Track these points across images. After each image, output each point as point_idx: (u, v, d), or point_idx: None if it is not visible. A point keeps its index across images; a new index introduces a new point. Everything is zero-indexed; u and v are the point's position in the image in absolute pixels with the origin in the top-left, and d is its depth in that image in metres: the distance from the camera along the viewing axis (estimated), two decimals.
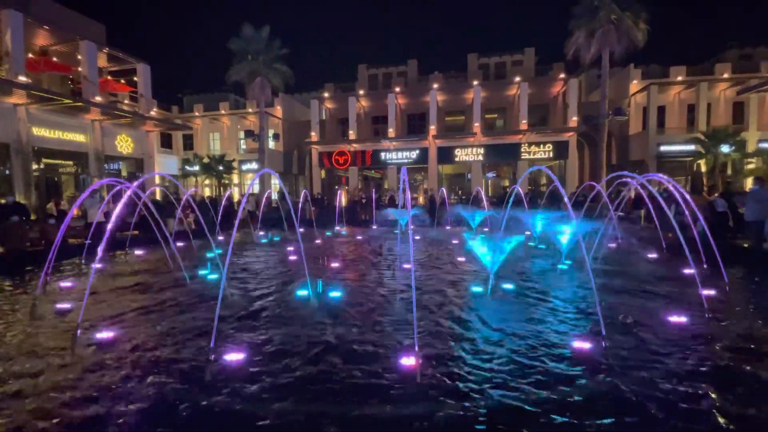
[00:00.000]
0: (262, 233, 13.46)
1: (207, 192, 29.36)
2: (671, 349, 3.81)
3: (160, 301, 5.65)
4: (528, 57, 26.95)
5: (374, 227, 15.87)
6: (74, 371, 3.48)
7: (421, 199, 27.59)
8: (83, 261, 8.68)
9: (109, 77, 20.89)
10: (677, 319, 4.53)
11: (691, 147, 21.60)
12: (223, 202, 12.69)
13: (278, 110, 29.15)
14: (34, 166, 16.09)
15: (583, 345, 3.82)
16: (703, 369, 3.42)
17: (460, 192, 28.30)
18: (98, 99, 17.74)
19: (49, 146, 16.64)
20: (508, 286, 6.08)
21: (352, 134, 26.02)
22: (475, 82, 24.78)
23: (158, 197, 20.11)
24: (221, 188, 28.22)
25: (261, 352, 3.83)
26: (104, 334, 4.27)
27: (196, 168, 27.11)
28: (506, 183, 29.60)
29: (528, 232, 10.69)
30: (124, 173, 21.42)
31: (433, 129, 24.80)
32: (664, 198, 7.20)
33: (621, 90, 25.19)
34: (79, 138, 17.83)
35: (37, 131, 15.91)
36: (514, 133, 24.35)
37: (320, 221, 15.75)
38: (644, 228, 13.27)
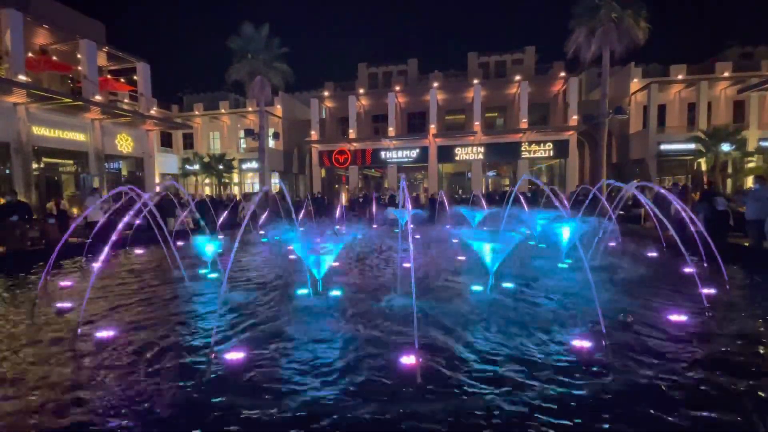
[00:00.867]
0: (262, 232, 13.46)
1: (207, 191, 29.38)
2: (671, 347, 3.81)
3: (161, 300, 5.66)
4: (528, 56, 26.92)
5: (374, 226, 15.87)
6: (74, 370, 3.49)
7: (421, 199, 27.61)
8: (84, 260, 8.69)
9: (108, 76, 20.87)
10: (677, 317, 4.53)
11: (692, 146, 21.58)
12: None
13: (278, 109, 29.13)
14: (34, 166, 16.09)
15: (583, 343, 3.83)
16: (704, 368, 3.42)
17: (460, 191, 28.30)
18: (98, 98, 17.74)
19: (49, 145, 16.64)
20: (508, 284, 6.09)
21: (352, 133, 26.00)
22: (476, 81, 24.76)
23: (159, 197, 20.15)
24: (221, 187, 28.23)
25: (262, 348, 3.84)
26: (104, 333, 4.28)
27: (197, 167, 27.13)
28: (506, 182, 29.59)
29: (528, 231, 10.69)
30: (124, 172, 21.43)
31: (433, 128, 24.79)
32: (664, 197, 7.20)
33: (621, 89, 25.15)
34: (79, 137, 17.82)
35: (37, 130, 15.90)
36: (514, 131, 24.34)
37: (320, 221, 15.73)
38: (644, 226, 13.27)
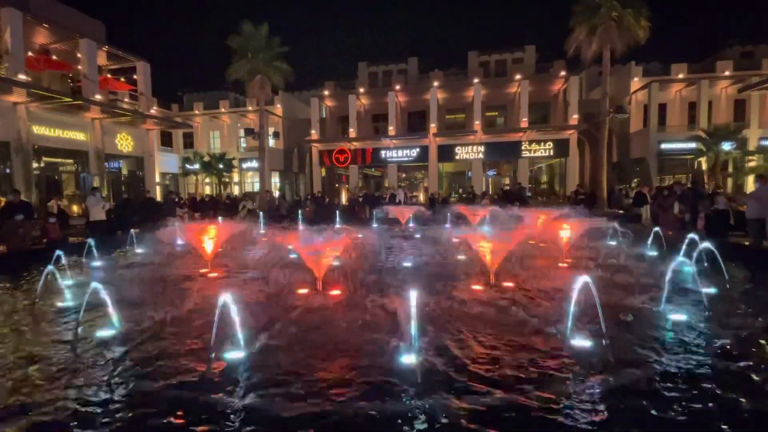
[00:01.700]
0: (263, 231, 13.45)
1: (207, 190, 29.37)
2: (671, 346, 3.81)
3: (160, 298, 5.66)
4: (529, 54, 26.86)
5: (374, 226, 15.86)
6: (74, 368, 3.49)
7: (421, 198, 27.60)
8: (84, 259, 8.69)
9: (108, 75, 20.86)
10: (677, 316, 4.53)
11: (692, 145, 21.54)
12: (224, 200, 12.69)
13: (278, 108, 29.10)
14: (35, 165, 16.09)
15: (583, 343, 3.82)
16: (704, 367, 3.42)
17: (460, 190, 28.28)
18: (98, 97, 17.73)
19: (49, 145, 16.64)
20: (509, 283, 6.09)
21: (352, 132, 25.98)
22: (476, 80, 24.72)
23: (159, 197, 20.16)
24: (221, 186, 28.23)
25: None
26: (104, 332, 4.28)
27: (197, 166, 27.11)
28: (506, 181, 29.56)
29: (529, 230, 10.68)
30: (124, 172, 21.45)
31: (433, 127, 24.76)
32: (665, 196, 7.19)
33: (622, 87, 25.12)
34: (79, 136, 17.82)
35: (37, 130, 15.90)
36: (514, 131, 24.31)
37: (320, 220, 15.72)
38: (645, 225, 13.25)
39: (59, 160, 18.00)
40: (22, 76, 14.58)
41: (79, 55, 17.88)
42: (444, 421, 2.68)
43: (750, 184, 20.60)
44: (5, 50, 14.71)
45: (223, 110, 29.69)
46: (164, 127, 24.53)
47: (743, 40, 27.56)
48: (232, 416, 2.78)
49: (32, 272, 7.44)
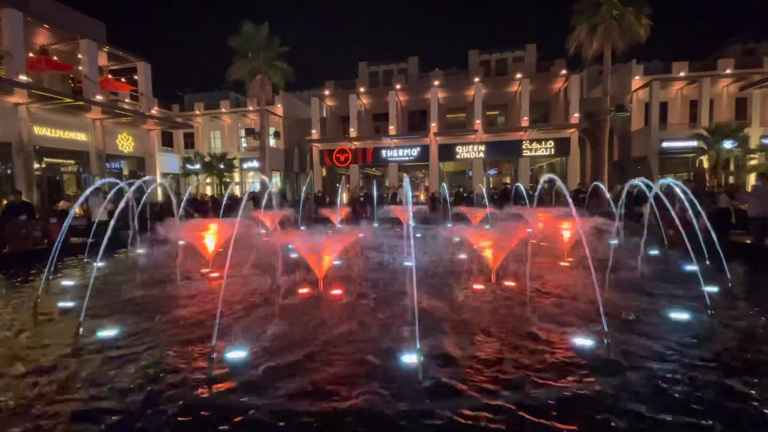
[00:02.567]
0: (263, 231, 13.45)
1: (208, 190, 29.41)
2: (673, 345, 3.79)
3: (161, 299, 5.66)
4: (529, 53, 26.82)
5: (375, 225, 15.86)
6: (75, 368, 3.50)
7: (422, 197, 27.58)
8: (85, 259, 8.70)
9: (109, 76, 20.89)
10: (679, 315, 4.52)
11: (694, 143, 21.51)
12: (224, 201, 12.69)
13: (279, 108, 29.12)
14: (36, 166, 16.13)
15: (584, 341, 3.82)
16: (704, 366, 3.41)
17: (461, 189, 28.26)
18: (99, 98, 17.75)
19: (50, 145, 16.68)
20: (510, 282, 6.08)
21: (352, 132, 25.97)
22: (476, 79, 24.69)
23: (160, 197, 20.18)
24: (222, 186, 28.27)
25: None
26: (105, 332, 4.29)
27: (198, 166, 27.14)
28: (507, 180, 29.52)
29: (530, 230, 10.64)
30: (125, 172, 21.47)
31: (434, 126, 24.74)
32: (666, 195, 7.16)
33: (623, 86, 25.07)
34: (81, 137, 17.85)
35: (38, 130, 15.94)
36: (515, 129, 24.28)
37: (321, 219, 15.72)
38: (646, 224, 13.20)
39: (60, 160, 18.04)
40: (23, 77, 14.60)
41: (79, 56, 17.90)
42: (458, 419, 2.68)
43: (751, 183, 20.54)
44: (6, 51, 14.74)
45: (223, 110, 29.72)
46: (165, 127, 24.57)
47: (744, 37, 27.53)
48: (232, 416, 2.78)
49: (34, 272, 7.47)
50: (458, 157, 25.42)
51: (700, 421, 2.68)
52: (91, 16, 19.49)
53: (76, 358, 3.73)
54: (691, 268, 5.61)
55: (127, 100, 22.29)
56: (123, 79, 21.69)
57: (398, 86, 25.85)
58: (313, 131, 26.82)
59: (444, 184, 19.94)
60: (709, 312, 4.64)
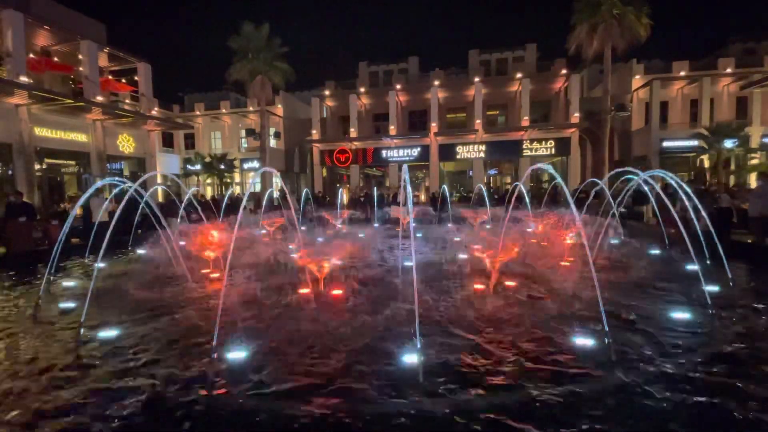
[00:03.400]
0: (263, 231, 13.45)
1: (209, 191, 29.41)
2: (674, 345, 3.79)
3: (162, 299, 5.67)
4: (530, 53, 26.81)
5: (375, 225, 15.85)
6: (76, 368, 3.50)
7: (422, 197, 27.57)
8: (86, 260, 8.71)
9: (110, 77, 20.90)
10: (680, 315, 4.51)
11: (694, 142, 21.47)
12: (225, 201, 12.71)
13: (279, 108, 29.13)
14: (37, 167, 16.14)
15: (585, 341, 3.81)
16: (705, 366, 3.40)
17: (462, 189, 28.25)
18: (99, 99, 17.76)
19: (51, 146, 16.69)
20: (511, 282, 6.08)
21: (353, 132, 25.97)
22: (477, 79, 24.67)
23: (160, 197, 20.19)
24: (223, 187, 28.29)
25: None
26: (106, 333, 4.29)
27: (198, 167, 27.16)
28: (508, 180, 29.52)
29: (530, 230, 10.62)
30: (126, 173, 21.48)
31: (434, 126, 24.73)
32: (667, 194, 7.15)
33: (623, 85, 25.04)
34: (81, 138, 17.86)
35: (39, 131, 15.94)
36: (515, 129, 24.26)
37: (321, 219, 15.72)
38: (647, 224, 13.21)
39: (61, 161, 18.04)
40: (23, 78, 14.61)
41: (80, 57, 17.90)
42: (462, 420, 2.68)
43: (752, 182, 20.51)
44: (6, 52, 14.75)
45: (224, 111, 29.73)
46: (165, 128, 24.57)
47: (745, 37, 27.46)
48: (233, 416, 2.78)
49: (36, 272, 7.48)
50: (458, 157, 25.40)
51: (701, 421, 2.68)
52: (91, 17, 19.50)
53: (75, 359, 3.74)
54: (692, 267, 5.60)
55: (127, 101, 22.28)
56: (123, 80, 21.69)
57: (398, 86, 25.84)
58: (314, 131, 26.82)
59: (444, 185, 19.91)
60: (710, 311, 4.64)
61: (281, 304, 5.39)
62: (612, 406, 2.82)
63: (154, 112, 21.58)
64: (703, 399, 2.91)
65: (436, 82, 25.10)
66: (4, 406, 2.98)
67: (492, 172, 29.17)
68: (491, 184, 28.38)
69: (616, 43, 18.46)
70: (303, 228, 10.75)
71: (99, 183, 7.64)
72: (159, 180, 23.89)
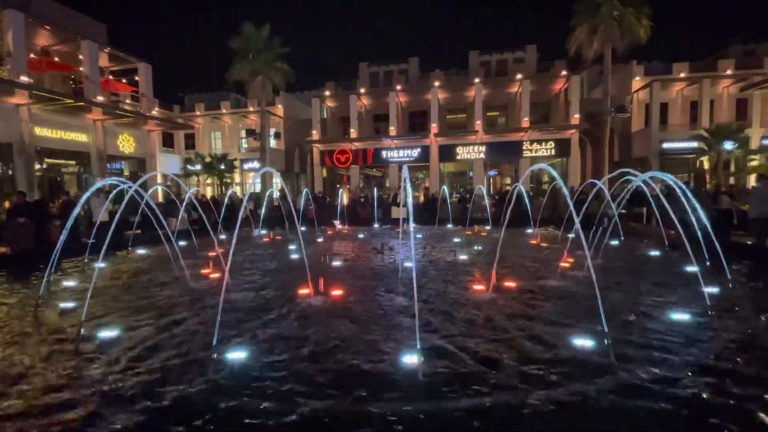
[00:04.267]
0: (263, 232, 13.48)
1: (209, 191, 29.42)
2: (674, 345, 3.80)
3: (162, 299, 5.67)
4: (530, 54, 26.83)
5: (375, 225, 15.87)
6: (76, 368, 3.50)
7: (422, 198, 27.55)
8: (87, 260, 8.72)
9: (110, 77, 20.91)
10: (680, 316, 4.52)
11: (694, 144, 21.49)
12: (225, 201, 12.71)
13: (279, 109, 29.14)
14: (37, 166, 16.14)
15: (584, 342, 3.82)
16: (704, 367, 3.41)
17: (462, 190, 28.25)
18: (100, 99, 17.77)
19: (51, 146, 16.70)
20: (511, 283, 6.09)
21: (353, 132, 25.98)
22: (477, 80, 24.69)
23: (160, 197, 20.20)
24: (223, 187, 28.30)
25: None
26: (106, 333, 4.29)
27: (198, 167, 27.17)
28: (508, 181, 29.52)
29: (531, 230, 10.68)
30: (126, 173, 21.48)
31: (434, 127, 24.74)
32: (666, 195, 7.16)
33: (623, 87, 25.06)
34: (81, 138, 17.87)
35: (39, 131, 15.95)
36: (515, 130, 24.27)
37: (321, 220, 15.74)
38: (647, 225, 13.22)
39: (61, 161, 18.05)
40: (24, 78, 14.62)
41: (80, 57, 17.91)
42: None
43: (752, 183, 20.53)
44: (7, 52, 14.76)
45: (224, 111, 29.74)
46: (166, 128, 24.59)
47: (745, 38, 27.47)
48: (233, 416, 2.79)
49: (37, 273, 7.49)
50: (459, 157, 25.41)
51: (700, 422, 2.69)
52: (91, 17, 19.51)
53: (75, 359, 3.74)
54: (692, 268, 5.61)
55: (127, 101, 22.28)
56: (124, 80, 21.71)
57: (399, 87, 25.85)
58: (314, 132, 26.82)
59: (444, 186, 19.92)
60: (709, 313, 4.64)
61: (281, 304, 5.40)
62: (612, 407, 2.82)
63: (155, 112, 21.59)
64: (702, 400, 2.91)
65: (437, 83, 25.12)
66: (5, 405, 2.98)
67: (492, 173, 29.17)
68: (491, 185, 28.36)
69: (616, 44, 18.48)
70: (303, 228, 10.77)
71: (99, 183, 7.64)
72: (159, 180, 23.91)
